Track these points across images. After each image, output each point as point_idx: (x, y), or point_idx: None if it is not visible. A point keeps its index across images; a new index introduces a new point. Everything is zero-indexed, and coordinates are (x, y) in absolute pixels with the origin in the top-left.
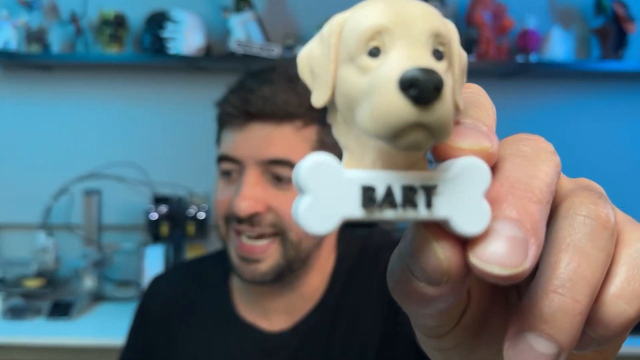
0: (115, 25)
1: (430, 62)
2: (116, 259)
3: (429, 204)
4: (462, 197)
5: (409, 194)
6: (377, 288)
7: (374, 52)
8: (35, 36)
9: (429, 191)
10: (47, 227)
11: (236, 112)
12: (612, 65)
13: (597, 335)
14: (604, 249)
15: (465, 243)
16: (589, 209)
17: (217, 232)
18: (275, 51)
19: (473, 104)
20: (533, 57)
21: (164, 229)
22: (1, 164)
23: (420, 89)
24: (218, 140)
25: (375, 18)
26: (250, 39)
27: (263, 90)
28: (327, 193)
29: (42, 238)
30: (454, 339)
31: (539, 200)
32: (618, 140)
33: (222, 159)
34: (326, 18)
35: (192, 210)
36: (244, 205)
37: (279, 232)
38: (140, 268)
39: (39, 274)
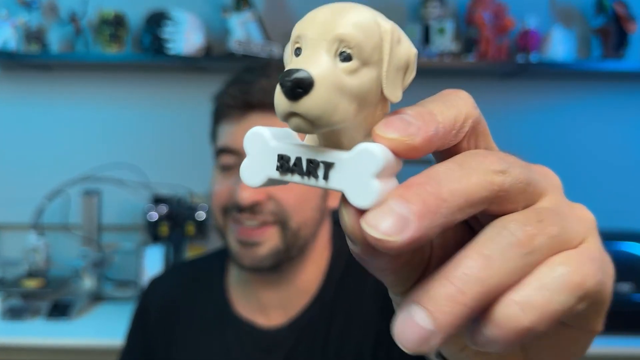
0: (115, 25)
1: (318, 64)
2: (115, 259)
3: (325, 177)
4: (354, 175)
5: (311, 166)
6: (372, 283)
7: (297, 53)
8: (35, 36)
9: (328, 166)
10: (38, 227)
11: (236, 103)
12: (612, 65)
13: (488, 333)
14: (512, 262)
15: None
16: (515, 226)
17: (215, 225)
18: (275, 51)
19: (432, 99)
20: (533, 57)
21: (164, 229)
22: (0, 163)
23: (283, 86)
24: (213, 135)
25: (298, 24)
26: (250, 39)
27: (261, 82)
28: (258, 156)
29: (32, 238)
30: (404, 286)
31: (442, 200)
32: (619, 140)
33: (221, 151)
34: None
35: (191, 211)
36: (246, 195)
37: (280, 220)
38: (139, 268)
39: (34, 274)
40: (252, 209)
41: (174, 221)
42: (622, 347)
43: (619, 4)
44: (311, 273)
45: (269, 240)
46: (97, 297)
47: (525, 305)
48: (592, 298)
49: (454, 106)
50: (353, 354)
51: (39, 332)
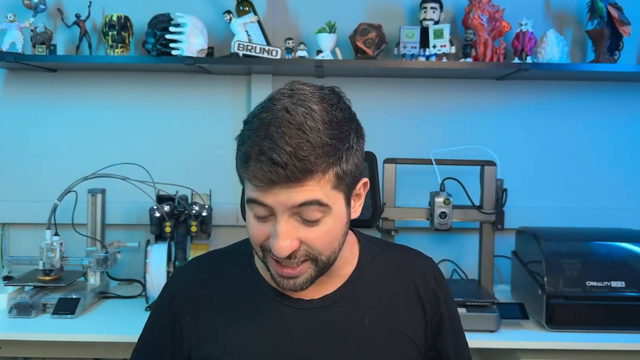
0: (120, 27)
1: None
2: (120, 258)
3: None
4: None
5: None
6: (413, 287)
7: None
8: (41, 39)
9: None
10: (53, 225)
11: (262, 184)
12: (606, 67)
13: None
14: None
15: None
16: None
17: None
18: (277, 53)
19: None
20: (529, 60)
21: (167, 228)
22: (8, 164)
23: None
24: (238, 171)
25: None
26: (252, 42)
27: (282, 156)
28: None
29: (48, 237)
30: None
31: None
32: (614, 141)
33: (252, 201)
34: (327, 20)
35: (195, 209)
36: (284, 249)
37: (312, 258)
38: (144, 266)
39: (45, 272)
40: (288, 256)
41: (177, 220)
42: (616, 342)
43: (612, 7)
44: (343, 264)
45: (305, 273)
46: (102, 295)
47: None
48: None
49: None
50: (385, 330)
51: (45, 329)
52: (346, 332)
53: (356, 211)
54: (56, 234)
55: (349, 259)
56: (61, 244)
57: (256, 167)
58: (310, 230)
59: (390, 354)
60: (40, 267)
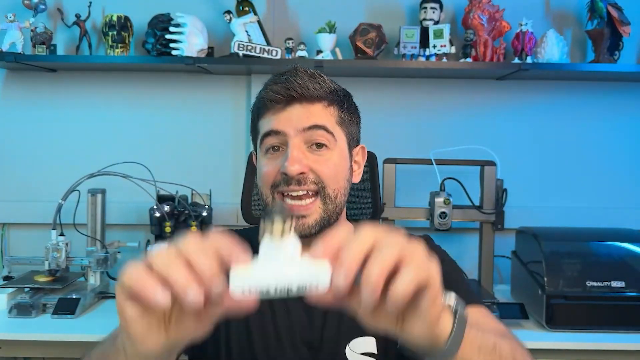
0: (120, 27)
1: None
2: (120, 257)
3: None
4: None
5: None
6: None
7: None
8: (41, 39)
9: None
10: (56, 226)
11: (281, 96)
12: (606, 67)
13: (393, 300)
14: (390, 251)
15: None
16: (367, 233)
17: (262, 204)
18: (277, 53)
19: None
20: (529, 59)
21: (168, 228)
22: (8, 164)
23: None
24: (254, 129)
25: None
26: (252, 42)
27: (297, 81)
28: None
29: (53, 236)
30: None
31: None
32: (614, 140)
33: (266, 135)
34: (327, 20)
35: (195, 209)
36: (295, 167)
37: (319, 189)
38: None
39: (48, 272)
40: (298, 180)
41: (177, 219)
42: (615, 342)
43: (612, 8)
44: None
45: (314, 213)
46: (102, 295)
47: (403, 282)
48: (425, 278)
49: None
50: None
51: (45, 329)
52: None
53: (356, 177)
54: (62, 234)
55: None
56: (67, 244)
57: (274, 86)
58: (318, 156)
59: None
60: (46, 267)
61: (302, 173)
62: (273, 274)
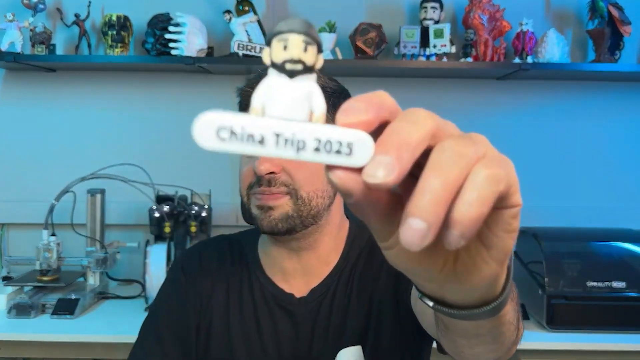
0: (119, 27)
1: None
2: (120, 258)
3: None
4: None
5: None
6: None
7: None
8: (40, 38)
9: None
10: (50, 226)
11: None
12: (607, 67)
13: (456, 230)
14: (457, 165)
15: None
16: (449, 143)
17: (241, 206)
18: None
19: (358, 96)
20: (529, 59)
21: (167, 228)
22: (7, 164)
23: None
24: None
25: None
26: (251, 41)
27: None
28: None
29: (45, 237)
30: (395, 238)
31: (406, 143)
32: (615, 140)
33: None
34: (327, 20)
35: (194, 209)
36: (264, 166)
37: (291, 191)
38: (143, 266)
39: (43, 272)
40: (269, 181)
41: (176, 220)
42: (616, 343)
43: (613, 7)
44: (330, 244)
45: (282, 206)
46: (101, 295)
47: (471, 202)
48: (505, 180)
49: (381, 94)
50: (366, 323)
51: (44, 329)
52: (340, 328)
53: None
54: (53, 234)
55: (336, 247)
56: (58, 244)
57: (255, 83)
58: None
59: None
60: (37, 267)
61: (272, 173)
62: (278, 116)
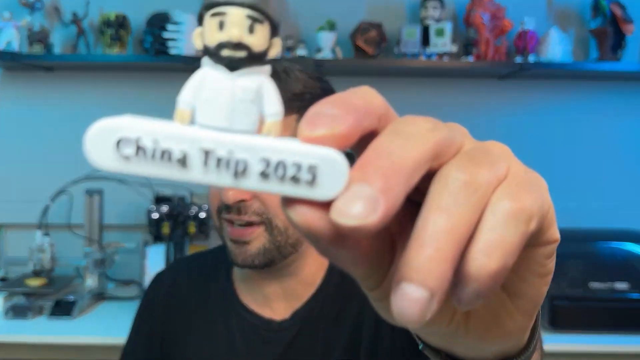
0: (117, 26)
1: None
2: (118, 259)
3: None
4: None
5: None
6: None
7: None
8: (38, 37)
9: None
10: (44, 226)
11: None
12: (610, 66)
13: (471, 288)
14: (466, 204)
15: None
16: (455, 172)
17: (213, 225)
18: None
19: (340, 93)
20: (531, 58)
21: (165, 229)
22: (4, 164)
23: None
24: None
25: None
26: None
27: None
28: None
29: (38, 237)
30: (385, 290)
31: (398, 169)
32: (617, 140)
33: None
34: (327, 19)
35: (193, 210)
36: (231, 193)
37: (265, 220)
38: (141, 267)
39: (38, 273)
40: (238, 208)
41: (175, 220)
42: (619, 345)
43: (615, 6)
44: (313, 266)
45: (257, 239)
46: (99, 296)
47: (488, 250)
48: (537, 214)
49: (362, 95)
50: (356, 345)
51: (41, 331)
52: (325, 351)
53: None
54: (46, 235)
55: (320, 266)
56: (52, 245)
57: None
58: None
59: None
60: (30, 268)
61: (242, 200)
62: (211, 125)
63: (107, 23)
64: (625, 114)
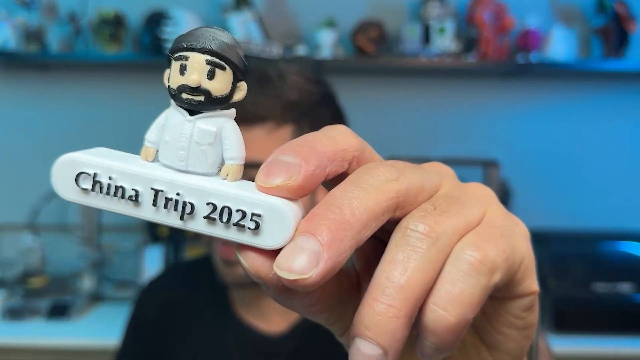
0: (114, 24)
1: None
2: (115, 260)
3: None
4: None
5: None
6: None
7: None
8: (34, 36)
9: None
10: (34, 227)
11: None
12: (613, 65)
13: (430, 342)
14: (423, 257)
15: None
16: (414, 222)
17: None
18: (275, 51)
19: (309, 134)
20: (534, 57)
21: (163, 230)
22: (0, 163)
23: None
24: None
25: None
26: (250, 39)
27: (257, 96)
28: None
29: (27, 238)
30: (344, 325)
31: (348, 223)
32: (619, 140)
33: None
34: (326, 17)
35: None
36: None
37: None
38: (139, 268)
39: (30, 274)
40: None
41: None
42: (623, 347)
43: (619, 4)
44: None
45: None
46: (96, 298)
47: (445, 304)
48: (503, 266)
49: (332, 137)
50: None
51: (38, 333)
52: None
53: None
54: (36, 235)
55: None
56: (41, 245)
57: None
58: None
59: None
60: (20, 269)
61: None
62: (169, 165)
63: (104, 21)
64: (629, 112)
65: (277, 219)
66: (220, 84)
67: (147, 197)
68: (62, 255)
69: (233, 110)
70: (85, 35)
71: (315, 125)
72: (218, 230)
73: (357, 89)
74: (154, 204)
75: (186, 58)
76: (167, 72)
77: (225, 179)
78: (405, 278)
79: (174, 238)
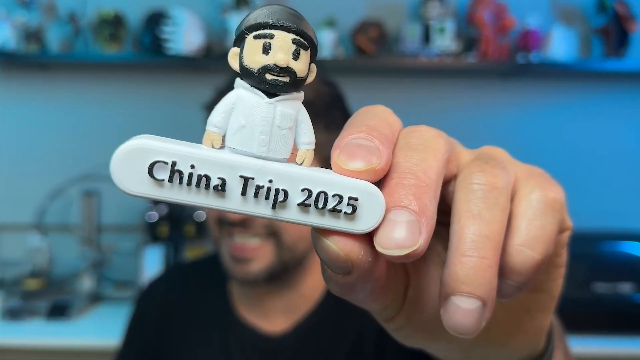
0: (114, 24)
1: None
2: (115, 260)
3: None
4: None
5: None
6: None
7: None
8: (34, 35)
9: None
10: (40, 227)
11: None
12: (614, 65)
13: (514, 282)
14: (496, 206)
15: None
16: (477, 177)
17: (211, 236)
18: None
19: (361, 117)
20: (534, 57)
21: (163, 230)
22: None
23: None
24: None
25: None
26: None
27: None
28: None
29: (35, 239)
30: (405, 316)
31: (425, 184)
32: (619, 140)
33: None
34: (326, 17)
35: (191, 211)
36: None
37: (272, 232)
38: (139, 269)
39: (35, 275)
40: (243, 223)
41: (173, 222)
42: (623, 347)
43: (619, 4)
44: (314, 279)
45: (262, 258)
46: (96, 298)
47: (530, 242)
48: (565, 202)
49: (385, 119)
50: (358, 359)
51: (37, 333)
52: None
53: None
54: (43, 236)
55: (320, 281)
56: (49, 246)
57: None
58: None
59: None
60: (27, 269)
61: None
62: (245, 151)
63: (104, 21)
64: (629, 113)
65: (372, 201)
66: (303, 64)
67: (235, 186)
68: (61, 255)
69: (303, 94)
70: (85, 35)
71: (329, 126)
72: (312, 218)
73: (357, 89)
74: (243, 193)
75: (271, 36)
76: (234, 50)
77: (301, 164)
78: (489, 228)
79: (174, 238)
